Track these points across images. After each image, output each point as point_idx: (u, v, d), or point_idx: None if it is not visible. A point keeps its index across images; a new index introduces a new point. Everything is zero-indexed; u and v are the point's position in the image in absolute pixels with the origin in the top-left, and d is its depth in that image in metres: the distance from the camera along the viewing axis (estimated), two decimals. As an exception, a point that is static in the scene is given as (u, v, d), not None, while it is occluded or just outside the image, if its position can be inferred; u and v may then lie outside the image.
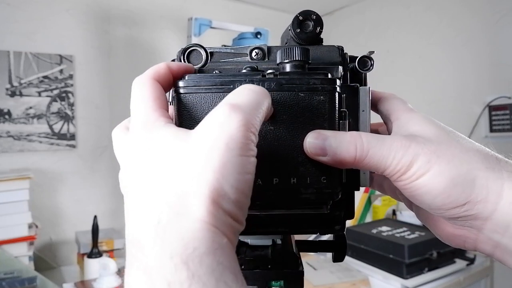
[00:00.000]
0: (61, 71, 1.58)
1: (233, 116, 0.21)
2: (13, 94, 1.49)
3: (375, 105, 0.34)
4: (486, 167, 0.27)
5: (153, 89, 0.25)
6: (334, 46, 0.32)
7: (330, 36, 2.12)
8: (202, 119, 0.22)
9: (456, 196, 0.26)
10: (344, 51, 0.33)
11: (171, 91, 0.31)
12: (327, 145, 0.26)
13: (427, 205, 0.28)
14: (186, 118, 0.26)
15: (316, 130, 0.27)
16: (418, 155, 0.27)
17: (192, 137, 0.22)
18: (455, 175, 0.26)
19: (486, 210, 0.27)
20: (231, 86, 0.26)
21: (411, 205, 0.34)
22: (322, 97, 0.26)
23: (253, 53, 0.32)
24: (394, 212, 1.76)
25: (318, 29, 0.31)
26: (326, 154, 0.26)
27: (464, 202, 0.27)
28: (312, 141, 0.26)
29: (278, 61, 0.29)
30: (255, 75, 0.27)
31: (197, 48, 0.30)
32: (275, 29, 1.41)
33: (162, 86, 0.26)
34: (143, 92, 0.25)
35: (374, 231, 1.37)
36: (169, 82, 0.27)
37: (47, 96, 1.55)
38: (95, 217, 1.29)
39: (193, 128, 0.22)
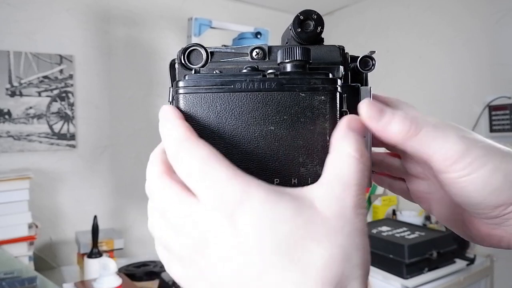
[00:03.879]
0: (61, 71, 1.58)
1: None
2: (13, 94, 1.49)
3: None
4: None
5: None
6: (335, 46, 0.32)
7: (330, 36, 2.12)
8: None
9: (508, 194, 0.25)
10: (345, 51, 0.32)
11: (171, 90, 0.31)
12: (385, 110, 0.25)
13: (473, 203, 0.26)
14: (186, 118, 0.26)
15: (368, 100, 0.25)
16: (473, 146, 0.24)
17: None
18: (509, 172, 0.24)
19: None
20: (232, 86, 0.26)
21: (430, 207, 0.32)
22: (323, 97, 0.26)
23: (254, 53, 0.32)
24: (394, 212, 1.76)
25: (319, 29, 0.31)
26: (382, 119, 0.24)
27: None
28: (369, 104, 0.25)
29: (278, 61, 0.28)
30: (255, 75, 0.26)
31: (197, 47, 0.30)
32: (275, 29, 1.41)
33: None
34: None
35: (374, 231, 1.37)
36: None
37: (47, 96, 1.55)
38: (95, 217, 1.28)
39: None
